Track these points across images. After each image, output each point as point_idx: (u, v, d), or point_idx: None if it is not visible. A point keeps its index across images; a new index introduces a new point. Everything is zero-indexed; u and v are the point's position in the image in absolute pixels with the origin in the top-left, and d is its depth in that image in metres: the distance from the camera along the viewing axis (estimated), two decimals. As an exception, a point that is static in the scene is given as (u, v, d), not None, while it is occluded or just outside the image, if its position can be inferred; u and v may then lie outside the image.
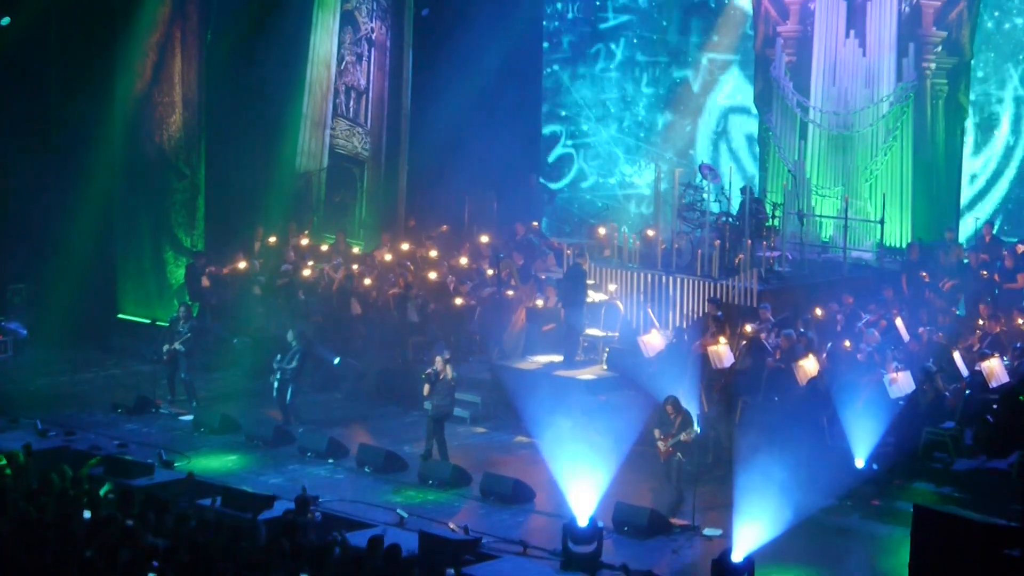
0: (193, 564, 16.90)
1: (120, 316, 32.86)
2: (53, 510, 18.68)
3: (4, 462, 21.01)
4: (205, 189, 32.09)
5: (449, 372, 23.99)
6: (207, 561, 17.07)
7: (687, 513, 21.49)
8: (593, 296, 27.74)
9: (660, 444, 21.97)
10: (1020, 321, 25.01)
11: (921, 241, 29.24)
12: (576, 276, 27.12)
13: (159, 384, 27.34)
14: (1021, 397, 22.05)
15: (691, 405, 22.86)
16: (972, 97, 30.86)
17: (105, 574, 16.30)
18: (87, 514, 18.62)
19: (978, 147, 31.36)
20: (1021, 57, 31.07)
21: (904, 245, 29.86)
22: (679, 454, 21.91)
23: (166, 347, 27.37)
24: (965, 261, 28.13)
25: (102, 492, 20.34)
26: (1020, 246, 27.89)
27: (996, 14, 31.17)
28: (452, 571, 17.59)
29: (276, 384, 25.88)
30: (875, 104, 30.81)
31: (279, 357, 25.96)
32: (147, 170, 32.61)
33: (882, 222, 29.43)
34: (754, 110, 33.29)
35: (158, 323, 29.99)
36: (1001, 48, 31.15)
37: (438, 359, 24.22)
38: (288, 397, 25.88)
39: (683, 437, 21.83)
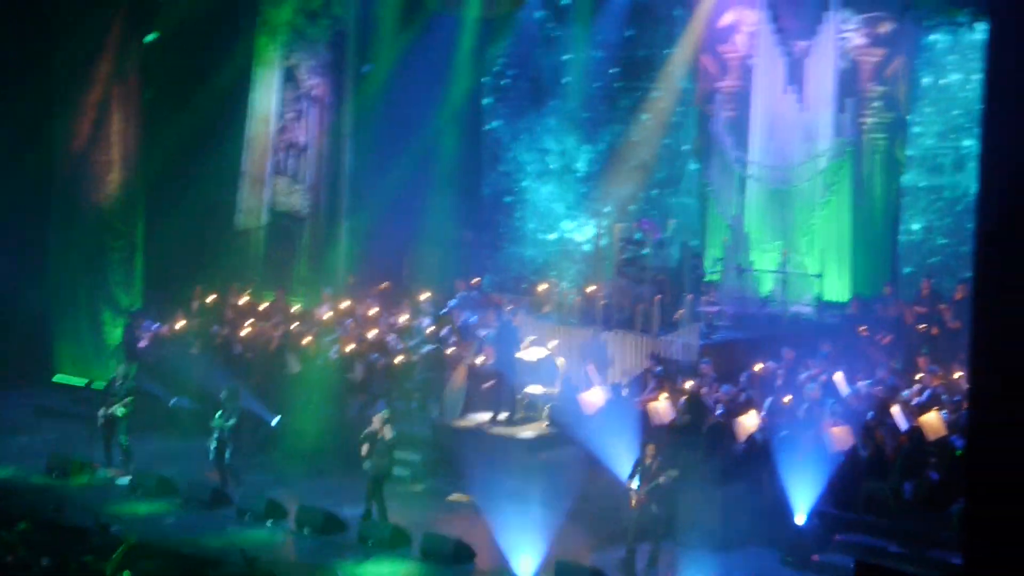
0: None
1: (56, 378, 32.57)
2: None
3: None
4: (143, 247, 31.93)
5: (388, 431, 23.84)
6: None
7: (630, 571, 21.37)
8: (533, 352, 27.66)
9: (633, 492, 21.75)
10: (958, 374, 25.05)
11: (860, 295, 29.33)
12: (507, 332, 27.04)
13: (96, 447, 27.03)
14: (958, 452, 22.05)
15: (631, 462, 22.74)
16: (909, 152, 31.03)
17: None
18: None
19: (915, 201, 31.50)
20: (955, 112, 31.24)
21: (843, 299, 29.96)
22: (654, 504, 21.72)
23: (102, 410, 27.07)
24: (903, 314, 28.19)
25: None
26: (959, 291, 27.95)
27: (933, 70, 31.37)
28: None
29: (214, 444, 25.65)
30: (813, 159, 30.97)
31: (216, 416, 25.75)
32: (84, 228, 32.46)
33: (821, 276, 29.55)
34: (693, 165, 33.37)
35: (94, 385, 29.72)
36: (938, 103, 31.36)
37: (377, 418, 24.08)
38: (226, 457, 25.66)
39: (661, 480, 21.64)
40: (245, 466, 26.30)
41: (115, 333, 31.76)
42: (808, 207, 31.06)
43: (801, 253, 30.77)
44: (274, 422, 27.82)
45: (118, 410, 26.92)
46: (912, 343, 27.13)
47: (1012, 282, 14.10)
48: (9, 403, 30.94)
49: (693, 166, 33.51)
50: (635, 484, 21.84)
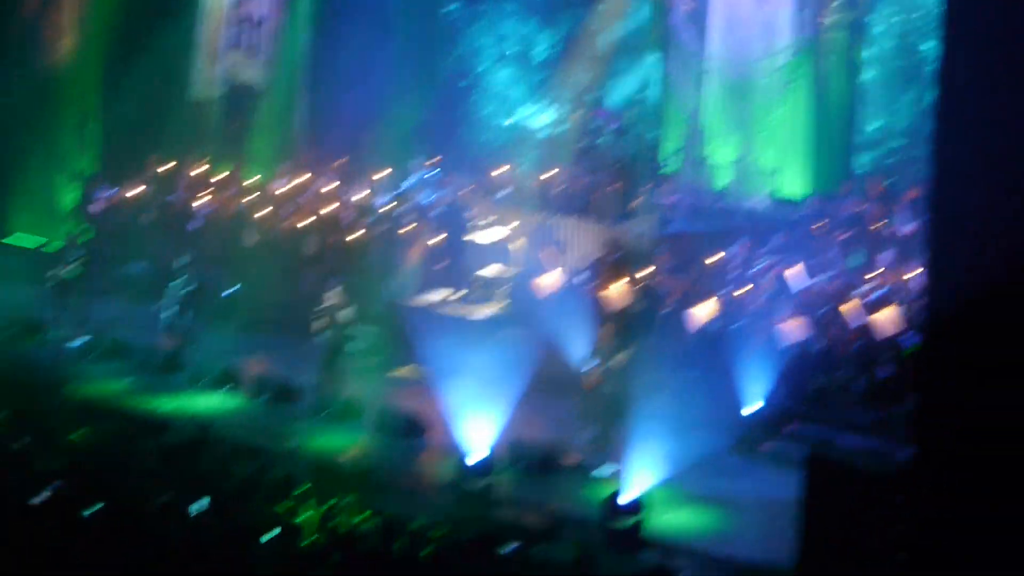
0: (85, 488, 16.75)
1: (7, 240, 32.39)
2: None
3: None
4: (98, 113, 31.67)
5: (343, 307, 23.89)
6: (98, 485, 16.93)
7: (579, 452, 21.61)
8: (489, 235, 27.74)
9: (587, 373, 21.91)
10: (910, 274, 25.30)
11: (818, 192, 29.50)
12: (453, 214, 27.07)
13: (49, 309, 26.95)
14: (907, 351, 22.34)
15: (586, 348, 22.90)
16: (867, 53, 31.09)
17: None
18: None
19: (872, 102, 31.62)
20: (915, 16, 31.31)
21: (798, 196, 30.14)
22: (606, 384, 21.89)
23: (56, 272, 26.96)
24: (858, 213, 28.39)
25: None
26: (911, 192, 28.15)
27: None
28: (345, 501, 17.54)
29: (170, 311, 25.63)
30: (772, 55, 30.99)
31: (172, 284, 25.71)
32: (38, 93, 32.09)
33: (777, 172, 29.70)
34: (653, 55, 33.32)
35: (49, 247, 29.57)
36: (898, 4, 31.39)
37: (331, 293, 24.13)
38: (182, 324, 25.65)
39: (614, 362, 21.81)
40: (199, 334, 26.31)
41: (69, 197, 31.57)
42: (766, 103, 31.15)
43: (759, 148, 30.87)
44: (229, 292, 27.80)
45: (70, 272, 26.83)
46: (866, 242, 27.33)
47: (966, 180, 14.35)
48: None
49: (653, 56, 33.43)
50: (589, 366, 22.03)
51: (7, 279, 30.34)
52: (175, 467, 18.65)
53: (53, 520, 15.45)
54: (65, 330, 26.73)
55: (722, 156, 31.10)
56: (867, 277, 25.61)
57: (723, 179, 30.92)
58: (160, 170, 31.32)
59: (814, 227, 28.05)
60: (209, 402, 23.60)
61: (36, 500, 15.96)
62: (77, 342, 26.16)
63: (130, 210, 30.09)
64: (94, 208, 30.22)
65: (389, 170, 31.98)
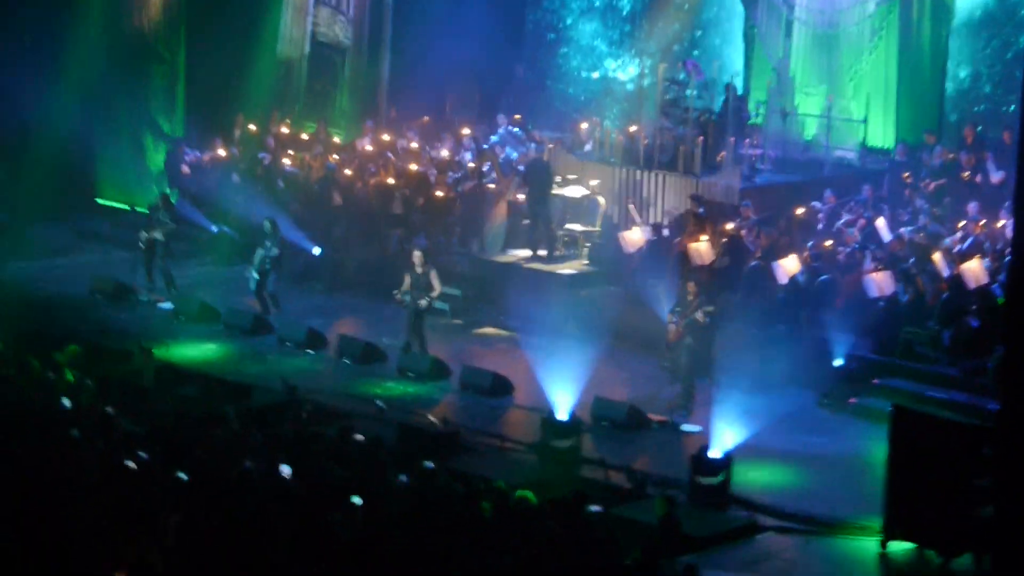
0: (169, 452, 16.89)
1: (98, 200, 32.71)
2: (32, 396, 18.66)
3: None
4: (185, 75, 31.85)
5: (428, 265, 23.88)
6: (183, 449, 17.06)
7: (665, 409, 21.53)
8: (574, 190, 27.65)
9: (672, 326, 21.85)
10: (1001, 223, 24.95)
11: (906, 142, 29.12)
12: (538, 169, 26.98)
13: (138, 271, 27.18)
14: (1000, 301, 22.03)
15: (671, 303, 22.75)
16: (958, -1, 30.61)
17: (85, 459, 16.28)
18: (66, 401, 18.57)
19: (963, 48, 31.11)
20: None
21: (887, 145, 29.76)
22: (689, 337, 21.81)
23: (144, 234, 27.18)
24: (948, 162, 27.98)
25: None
26: (1007, 134, 27.64)
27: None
28: (431, 463, 17.58)
29: (255, 274, 25.76)
30: (861, 3, 30.51)
31: (259, 247, 25.81)
32: (126, 54, 32.38)
33: (865, 122, 29.35)
34: (740, 6, 32.97)
35: (137, 209, 29.81)
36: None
37: (417, 252, 24.11)
38: (268, 286, 25.78)
39: (698, 316, 21.70)
40: (285, 296, 26.44)
41: (157, 159, 31.82)
42: (855, 52, 30.69)
43: (846, 98, 30.47)
44: (315, 252, 27.90)
45: (159, 235, 27.04)
46: (956, 191, 26.97)
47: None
48: (53, 226, 31.11)
49: (739, 7, 33.08)
50: (673, 318, 21.91)
51: (96, 241, 30.70)
52: (263, 429, 18.74)
53: (143, 483, 15.55)
54: (153, 293, 26.97)
55: (810, 106, 30.73)
56: (957, 227, 25.27)
57: (810, 130, 30.57)
58: (246, 129, 31.43)
59: (903, 177, 27.70)
60: (295, 364, 23.68)
61: (128, 463, 16.10)
62: (165, 305, 26.37)
63: (217, 171, 30.22)
64: (182, 170, 30.37)
65: (475, 126, 31.93)
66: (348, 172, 29.17)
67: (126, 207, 31.03)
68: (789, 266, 23.73)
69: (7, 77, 31.52)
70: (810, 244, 24.86)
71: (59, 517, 14.76)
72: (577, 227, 27.23)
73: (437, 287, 23.72)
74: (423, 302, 23.66)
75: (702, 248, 24.46)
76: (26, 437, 16.83)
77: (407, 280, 23.80)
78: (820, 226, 26.04)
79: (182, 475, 15.73)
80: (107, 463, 16.25)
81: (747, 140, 28.42)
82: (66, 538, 14.47)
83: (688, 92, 28.10)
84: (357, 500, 15.55)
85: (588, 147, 29.30)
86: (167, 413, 19.29)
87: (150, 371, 21.97)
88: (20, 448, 16.46)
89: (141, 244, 27.22)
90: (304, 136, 31.80)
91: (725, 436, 19.38)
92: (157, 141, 32.01)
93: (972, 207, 25.52)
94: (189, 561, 14.42)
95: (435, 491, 16.56)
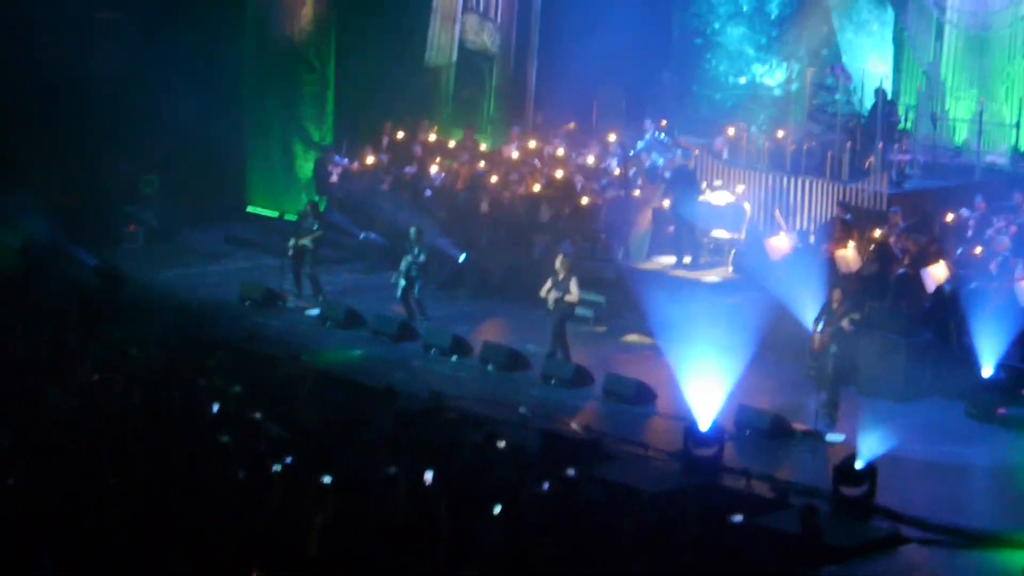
0: (316, 457, 17.10)
1: (249, 209, 33.19)
2: (182, 400, 19.00)
3: (135, 352, 21.33)
4: (335, 82, 32.21)
5: (569, 271, 23.92)
6: (329, 454, 17.28)
7: (810, 418, 21.39)
8: (720, 197, 27.55)
9: (816, 335, 21.72)
10: None
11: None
12: (683, 176, 26.88)
13: (286, 278, 27.54)
14: None
15: (818, 310, 22.58)
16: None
17: (233, 464, 16.55)
18: (215, 407, 18.89)
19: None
20: None
21: (1041, 151, 29.34)
22: (835, 345, 21.67)
23: (293, 241, 27.51)
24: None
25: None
26: None
27: None
28: (573, 470, 17.63)
29: (403, 280, 25.96)
30: (1014, 4, 30.06)
31: (406, 253, 26.01)
32: (277, 62, 32.79)
33: (1018, 126, 28.93)
34: (889, 9, 32.62)
35: (286, 217, 30.20)
36: None
37: (559, 259, 24.18)
38: (415, 293, 25.98)
39: (844, 324, 21.56)
40: (431, 302, 26.64)
41: (306, 167, 32.19)
42: (1007, 54, 30.24)
43: (998, 102, 30.03)
44: (461, 259, 28.07)
45: (307, 242, 27.37)
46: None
47: None
48: (204, 233, 31.67)
49: (889, 10, 32.73)
50: (818, 327, 21.77)
51: (247, 248, 31.16)
52: (408, 435, 18.91)
53: (291, 488, 15.77)
54: (301, 300, 27.31)
55: (960, 110, 30.35)
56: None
57: (961, 134, 30.18)
58: (395, 137, 31.70)
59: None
60: (440, 370, 23.86)
61: (275, 468, 16.34)
62: (313, 311, 26.69)
63: (365, 179, 30.52)
64: (330, 177, 30.73)
65: (621, 132, 31.92)
66: (495, 179, 29.30)
67: (275, 215, 31.43)
68: (938, 273, 23.45)
69: (161, 85, 32.10)
70: (959, 251, 24.55)
71: (207, 520, 15.04)
72: (722, 234, 27.12)
73: (575, 293, 23.77)
74: (563, 306, 23.74)
75: (849, 255, 24.26)
76: (177, 442, 17.15)
77: (548, 283, 23.87)
78: (970, 233, 25.67)
79: (327, 479, 15.92)
80: (255, 467, 16.51)
81: (896, 145, 28.12)
82: (213, 541, 14.74)
83: (836, 97, 27.90)
84: (497, 509, 15.65)
85: (735, 153, 29.15)
86: (314, 418, 19.52)
87: (298, 377, 22.23)
88: (171, 452, 16.79)
89: (289, 251, 27.55)
90: (451, 143, 31.98)
91: (870, 446, 19.23)
92: (307, 149, 32.38)
93: None
94: (333, 565, 14.63)
95: (577, 499, 16.60)
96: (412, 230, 26.21)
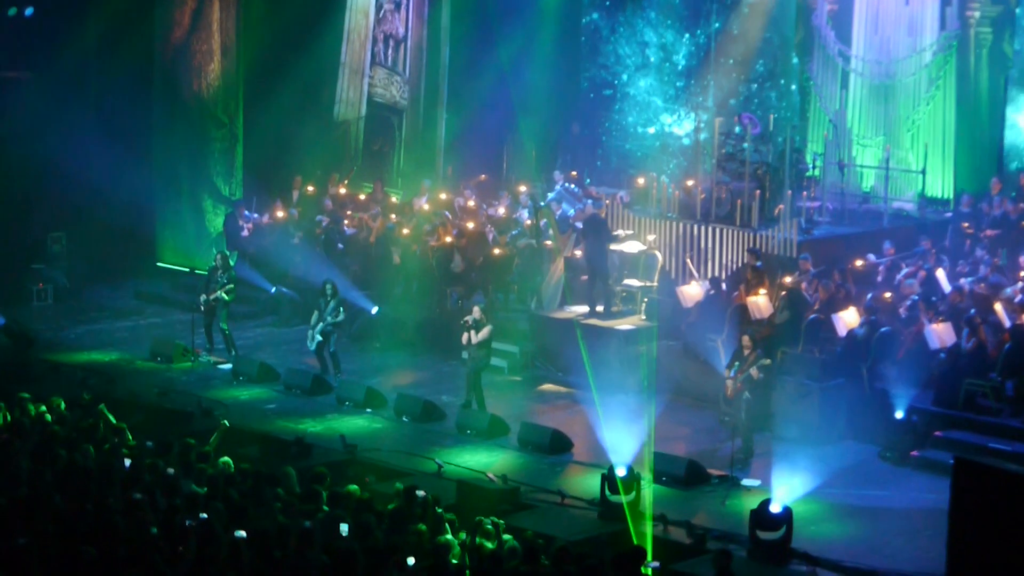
0: (230, 512, 16.94)
1: (159, 264, 32.98)
2: (94, 457, 18.77)
3: (45, 410, 21.06)
4: (244, 137, 32.12)
5: (486, 322, 23.99)
6: (243, 509, 17.11)
7: (725, 464, 21.44)
8: (631, 245, 27.64)
9: (729, 381, 21.81)
10: (1063, 273, 24.82)
11: (969, 192, 28.97)
12: (596, 225, 26.96)
13: (197, 333, 27.35)
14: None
15: (728, 356, 22.69)
16: (1016, 46, 30.47)
17: (147, 520, 16.35)
18: (127, 462, 18.69)
19: (1021, 96, 30.99)
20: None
21: (946, 196, 29.68)
22: (747, 392, 21.74)
23: (204, 297, 27.32)
24: (1006, 212, 27.84)
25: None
26: None
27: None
28: (490, 521, 17.55)
29: (318, 335, 25.79)
30: (918, 53, 30.50)
31: (322, 307, 25.86)
32: (185, 118, 32.69)
33: (924, 172, 29.27)
34: (795, 59, 32.95)
35: (197, 271, 30.03)
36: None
37: (476, 309, 24.24)
38: (330, 346, 25.83)
39: (753, 372, 21.67)
40: (345, 355, 26.52)
41: (216, 222, 32.05)
42: (912, 102, 30.65)
43: (904, 148, 30.42)
44: (374, 311, 28.00)
45: (222, 294, 27.18)
46: (1016, 240, 26.81)
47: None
48: (114, 289, 31.46)
49: (795, 60, 33.08)
50: (731, 373, 21.88)
51: (158, 304, 30.93)
52: (321, 489, 18.74)
53: (205, 543, 15.60)
54: (214, 354, 27.12)
55: (867, 158, 30.69)
56: (1019, 276, 25.10)
57: (868, 181, 30.52)
58: (305, 191, 31.64)
59: (962, 227, 27.57)
60: (355, 423, 23.74)
61: (189, 523, 16.16)
62: (225, 366, 26.51)
63: (276, 233, 30.41)
64: (241, 232, 30.59)
65: (531, 183, 32.02)
66: (406, 231, 29.29)
67: (186, 269, 31.22)
68: (848, 319, 23.62)
69: (69, 141, 31.90)
70: (869, 296, 24.76)
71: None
72: (635, 282, 27.19)
73: (486, 340, 23.78)
74: (478, 356, 23.79)
75: (760, 302, 24.39)
76: (89, 499, 16.93)
77: (465, 337, 23.92)
78: (879, 278, 25.92)
79: (242, 533, 15.77)
80: (168, 523, 16.33)
81: (804, 192, 28.37)
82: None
83: (744, 145, 28.09)
84: (411, 561, 15.58)
85: (645, 202, 29.29)
86: (228, 473, 19.32)
87: (211, 432, 22.03)
88: (83, 510, 16.56)
89: (201, 306, 27.38)
90: (362, 196, 31.95)
91: (785, 490, 19.30)
92: (216, 203, 32.25)
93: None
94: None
95: (496, 549, 16.53)
96: (328, 286, 26.09)
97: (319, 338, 25.81)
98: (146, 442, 20.11)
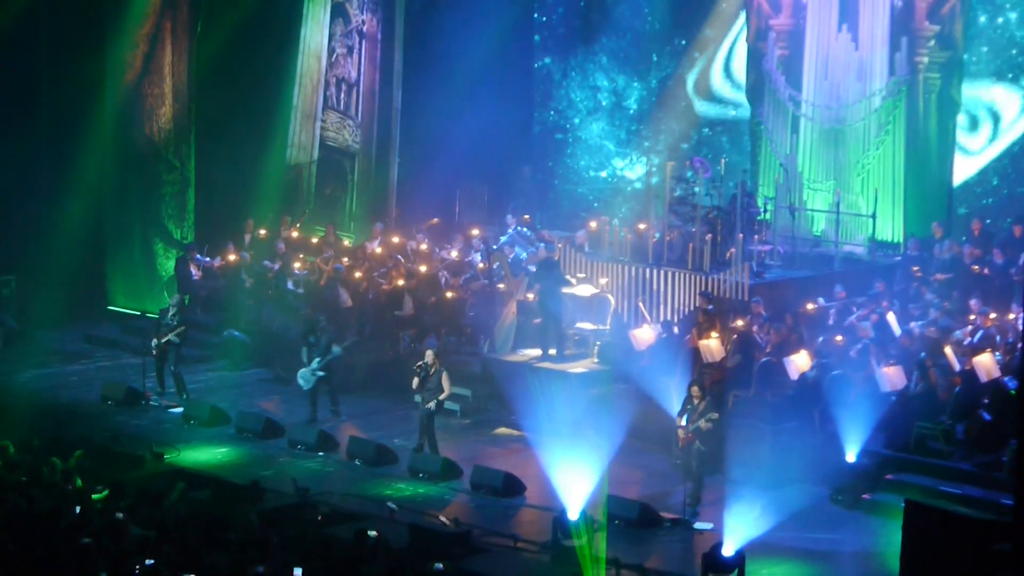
0: (181, 556, 16.86)
1: (110, 307, 32.84)
2: (43, 502, 18.66)
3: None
4: (195, 181, 32.08)
5: (439, 366, 23.97)
6: (195, 553, 17.04)
7: (678, 507, 21.46)
8: (584, 289, 27.69)
9: (680, 431, 21.83)
10: (1012, 316, 24.95)
11: (916, 236, 29.19)
12: (549, 268, 27.01)
13: (148, 376, 27.21)
14: (1013, 393, 21.98)
15: (681, 399, 22.71)
16: (964, 92, 30.74)
17: (96, 565, 16.25)
18: (76, 508, 18.56)
19: (969, 142, 31.27)
20: (1014, 52, 30.96)
21: (896, 239, 29.86)
22: (698, 442, 21.76)
23: (155, 341, 27.18)
24: (956, 255, 28.02)
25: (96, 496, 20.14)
26: (1017, 227, 27.92)
27: (989, 8, 31.06)
28: (441, 565, 17.52)
29: (319, 372, 25.65)
30: (867, 98, 30.72)
31: (312, 344, 25.75)
32: (137, 162, 32.64)
33: (874, 216, 29.46)
34: (746, 104, 33.16)
35: (148, 315, 29.93)
36: (994, 42, 31.06)
37: (428, 352, 24.23)
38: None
39: (703, 424, 21.69)
40: (295, 399, 26.42)
41: (168, 265, 31.95)
42: (862, 147, 30.84)
43: (854, 193, 30.60)
44: (327, 356, 27.84)
45: (173, 337, 27.05)
46: (965, 284, 26.98)
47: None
48: (64, 333, 31.27)
49: (745, 105, 33.28)
50: (682, 422, 21.90)
51: (108, 347, 30.78)
52: (275, 532, 18.67)
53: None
54: (164, 398, 26.99)
55: (818, 202, 30.87)
56: (968, 319, 25.26)
57: (819, 225, 30.70)
58: (256, 234, 31.59)
59: (912, 270, 27.74)
60: (307, 466, 23.65)
61: (136, 568, 16.08)
62: (177, 410, 26.39)
63: (227, 276, 30.34)
64: (192, 276, 30.50)
65: (484, 226, 32.06)
66: (358, 274, 29.27)
67: (137, 313, 31.10)
68: (800, 362, 23.68)
69: (18, 184, 31.80)
70: (821, 339, 24.87)
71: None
72: (587, 326, 27.22)
73: (447, 388, 23.84)
74: (432, 404, 23.79)
75: (712, 345, 24.45)
76: (37, 545, 16.81)
77: (417, 381, 23.90)
78: (831, 321, 26.02)
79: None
80: (117, 568, 16.23)
81: (756, 236, 28.48)
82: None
83: (696, 189, 28.21)
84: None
85: (597, 246, 29.36)
86: (178, 517, 19.21)
87: (161, 476, 21.93)
88: (31, 556, 16.45)
89: (153, 350, 27.23)
90: (314, 240, 31.92)
91: (738, 533, 19.33)
92: (168, 247, 32.16)
93: (974, 302, 25.52)
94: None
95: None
96: (320, 319, 26.07)
97: (320, 375, 25.69)
98: (96, 486, 20.00)
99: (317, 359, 25.76)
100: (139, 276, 32.52)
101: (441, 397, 23.85)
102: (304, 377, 25.88)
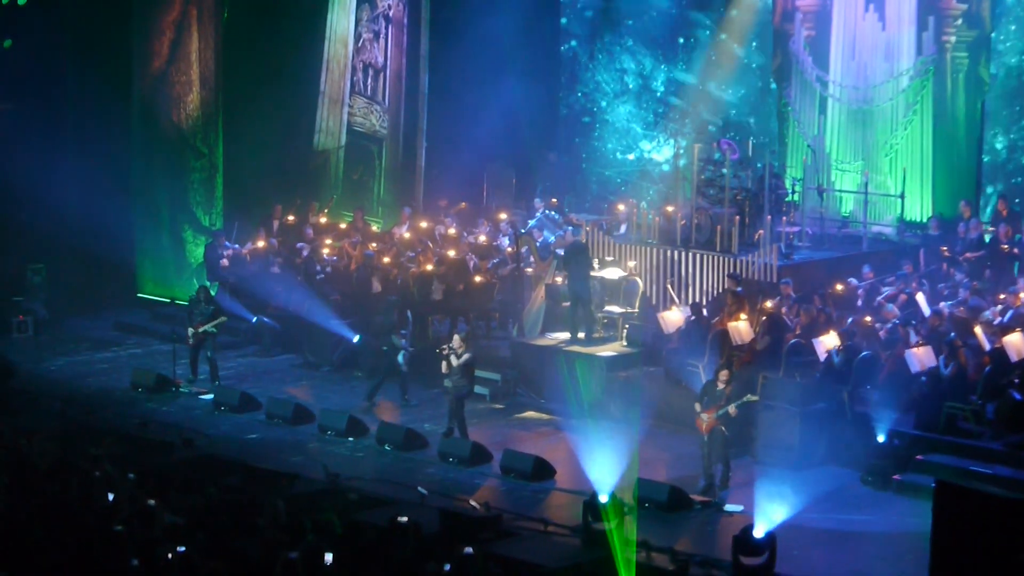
0: (212, 542, 16.89)
1: (139, 295, 32.95)
2: (75, 490, 18.71)
3: (24, 442, 21.00)
4: (223, 167, 32.11)
5: (468, 350, 23.98)
6: (226, 539, 17.07)
7: (707, 489, 21.45)
8: (612, 272, 27.67)
9: (704, 416, 21.82)
10: (1042, 295, 24.89)
11: (941, 215, 29.11)
12: (577, 251, 27.00)
13: (179, 363, 27.28)
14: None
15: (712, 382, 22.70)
16: (992, 70, 30.62)
17: (127, 552, 16.29)
18: (109, 496, 18.61)
19: (998, 120, 31.14)
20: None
21: (924, 219, 29.77)
22: (723, 427, 21.76)
23: (191, 330, 27.21)
24: (987, 235, 27.94)
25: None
26: None
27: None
28: (471, 549, 17.52)
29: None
30: (895, 78, 30.64)
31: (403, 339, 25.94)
32: (165, 149, 32.70)
33: (902, 196, 29.37)
34: (773, 85, 33.08)
35: (177, 302, 30.00)
36: (1021, 20, 30.90)
37: (457, 337, 24.23)
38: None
39: (731, 410, 21.64)
40: (327, 384, 26.47)
41: (197, 252, 32.02)
42: (889, 127, 30.78)
43: (882, 173, 30.53)
44: (355, 340, 27.96)
45: (211, 328, 27.11)
46: (995, 263, 26.90)
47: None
48: (94, 321, 31.40)
49: (773, 86, 33.21)
50: (699, 408, 21.84)
51: (137, 335, 30.88)
52: (306, 518, 18.69)
53: (186, 575, 15.56)
54: (196, 385, 27.07)
55: (846, 182, 30.80)
56: (997, 299, 25.18)
57: (847, 206, 30.64)
58: (285, 221, 31.64)
59: (941, 250, 27.66)
60: (338, 451, 23.69)
61: (170, 555, 16.10)
62: (207, 396, 26.46)
63: (256, 263, 30.40)
64: (221, 262, 30.57)
65: (512, 210, 32.06)
66: (386, 259, 29.29)
67: (166, 300, 31.19)
68: (829, 343, 23.65)
69: (49, 173, 31.91)
70: (850, 320, 24.82)
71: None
72: (615, 309, 27.23)
73: (469, 366, 23.81)
74: (460, 384, 23.79)
75: (741, 327, 24.41)
76: (70, 533, 16.87)
77: (446, 365, 23.92)
78: (859, 302, 25.97)
79: (224, 566, 15.72)
80: (149, 555, 16.26)
81: (784, 218, 28.43)
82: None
83: (724, 171, 28.15)
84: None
85: (625, 229, 29.35)
86: (210, 504, 19.26)
87: (193, 462, 21.99)
88: (63, 543, 16.50)
89: (190, 339, 27.26)
90: (342, 225, 31.95)
91: (768, 515, 19.23)
92: (196, 234, 32.23)
93: (1012, 278, 25.44)
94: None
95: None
96: (409, 313, 26.20)
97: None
98: (127, 474, 20.04)
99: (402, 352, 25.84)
100: (168, 263, 32.62)
101: (467, 379, 23.89)
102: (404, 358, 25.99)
